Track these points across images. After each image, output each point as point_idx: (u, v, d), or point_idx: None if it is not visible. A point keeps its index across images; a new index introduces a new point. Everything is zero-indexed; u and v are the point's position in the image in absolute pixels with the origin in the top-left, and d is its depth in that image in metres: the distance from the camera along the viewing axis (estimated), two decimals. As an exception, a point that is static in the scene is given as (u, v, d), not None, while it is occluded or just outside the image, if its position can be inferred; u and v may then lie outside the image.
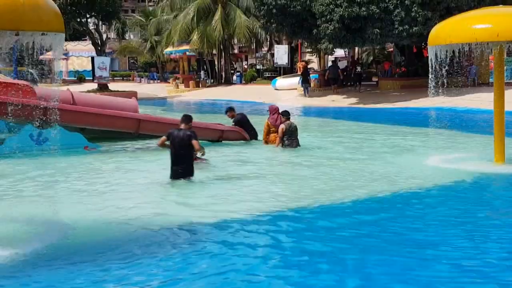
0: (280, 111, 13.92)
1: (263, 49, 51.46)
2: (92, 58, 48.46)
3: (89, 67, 56.96)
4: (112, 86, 41.70)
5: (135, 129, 14.82)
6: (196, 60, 51.72)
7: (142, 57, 58.51)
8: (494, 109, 10.88)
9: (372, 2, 25.76)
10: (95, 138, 14.09)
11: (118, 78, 58.05)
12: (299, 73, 34.69)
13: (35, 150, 12.37)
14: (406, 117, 21.56)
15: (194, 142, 9.46)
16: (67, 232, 6.79)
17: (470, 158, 11.32)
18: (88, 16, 44.90)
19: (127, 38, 60.85)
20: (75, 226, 7.04)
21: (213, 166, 11.07)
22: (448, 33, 10.03)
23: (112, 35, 60.26)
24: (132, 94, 31.48)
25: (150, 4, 70.33)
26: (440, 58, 10.30)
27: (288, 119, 13.39)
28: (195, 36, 40.36)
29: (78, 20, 43.97)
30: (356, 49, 43.24)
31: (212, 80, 46.50)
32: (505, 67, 11.77)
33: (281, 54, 41.42)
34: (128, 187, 9.52)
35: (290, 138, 13.26)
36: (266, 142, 14.00)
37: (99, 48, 45.58)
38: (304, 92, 32.69)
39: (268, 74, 44.47)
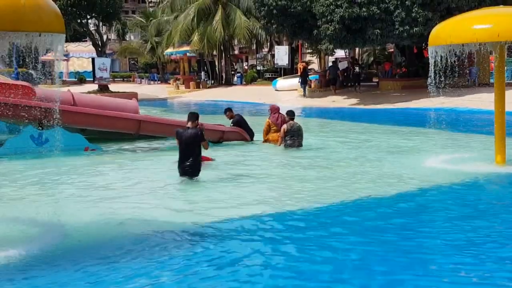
0: (281, 111, 14.03)
1: (263, 50, 51.46)
2: (93, 59, 48.44)
3: (90, 68, 56.96)
4: (113, 87, 41.72)
5: (136, 130, 14.83)
6: (197, 61, 51.73)
7: (143, 58, 58.52)
8: (494, 110, 10.88)
9: (372, 2, 25.76)
10: (96, 139, 14.10)
11: (119, 79, 58.12)
12: (299, 73, 34.72)
13: (35, 151, 12.38)
14: (407, 118, 21.56)
15: (203, 143, 9.83)
16: (67, 232, 6.79)
17: (471, 159, 11.31)
18: (88, 17, 44.85)
19: (127, 39, 60.85)
20: (76, 226, 7.04)
21: (214, 166, 11.07)
22: (449, 33, 10.02)
23: (113, 36, 60.26)
24: (132, 95, 31.53)
25: (150, 5, 70.34)
26: (440, 58, 10.30)
27: (292, 119, 13.45)
28: (195, 37, 40.37)
29: (79, 21, 43.91)
30: (357, 49, 43.27)
31: (212, 81, 46.51)
32: (505, 67, 11.74)
33: (281, 55, 41.43)
34: (128, 188, 9.52)
35: (292, 138, 13.31)
36: (266, 140, 14.15)
37: (99, 49, 45.54)
38: (304, 92, 32.74)
39: (269, 75, 44.47)
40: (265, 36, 41.29)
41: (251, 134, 15.08)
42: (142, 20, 55.24)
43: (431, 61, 10.53)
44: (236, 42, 47.15)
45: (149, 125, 15.00)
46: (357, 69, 35.79)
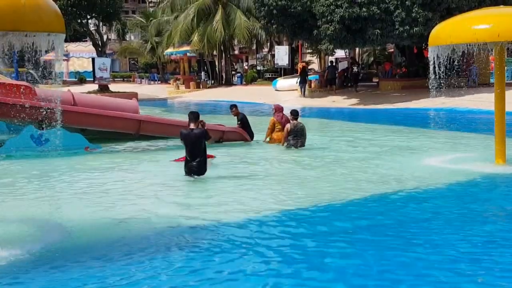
0: (284, 111, 14.13)
1: (263, 50, 51.46)
2: (93, 59, 48.44)
3: (90, 68, 56.95)
4: (113, 87, 41.71)
5: (136, 130, 14.83)
6: (197, 61, 51.72)
7: (143, 58, 58.53)
8: (494, 110, 10.88)
9: (372, 2, 25.76)
10: (96, 138, 14.10)
11: (119, 79, 58.10)
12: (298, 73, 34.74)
13: (36, 151, 12.38)
14: (407, 118, 21.56)
15: (209, 141, 10.18)
16: (67, 232, 6.79)
17: (471, 159, 11.31)
18: (88, 17, 44.89)
19: (127, 39, 60.85)
20: (76, 226, 7.03)
21: (215, 166, 11.07)
22: (449, 33, 10.02)
23: (113, 36, 60.25)
24: (132, 95, 31.52)
25: (150, 5, 70.34)
26: (441, 58, 10.30)
27: (296, 118, 13.49)
28: (195, 37, 40.36)
29: (79, 21, 43.94)
30: (357, 50, 43.28)
31: (212, 81, 46.50)
32: (505, 67, 11.75)
33: (281, 55, 41.42)
34: (129, 188, 9.51)
35: (295, 138, 13.36)
36: (271, 139, 14.15)
37: (99, 49, 45.56)
38: (302, 92, 32.74)
39: (269, 75, 44.47)
40: (265, 36, 41.28)
41: (251, 134, 15.12)
42: (142, 20, 55.22)
43: (431, 61, 10.53)
44: (236, 42, 47.12)
45: (149, 125, 14.99)
46: (355, 69, 35.81)
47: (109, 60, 43.55)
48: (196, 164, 9.90)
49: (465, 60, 26.11)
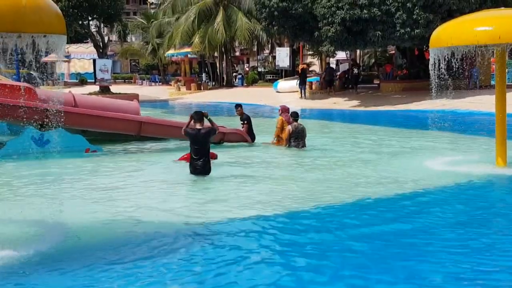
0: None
1: (264, 52, 51.48)
2: (94, 61, 48.54)
3: (91, 70, 57.08)
4: (114, 88, 41.77)
5: (137, 131, 14.83)
6: (198, 62, 51.79)
7: (144, 59, 58.59)
8: (495, 112, 10.87)
9: (373, 4, 25.77)
10: (97, 140, 14.10)
11: (120, 80, 58.18)
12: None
13: (36, 152, 12.37)
14: (408, 120, 21.56)
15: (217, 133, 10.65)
16: (68, 233, 6.79)
17: (472, 161, 11.30)
18: (89, 18, 44.91)
19: (128, 41, 60.95)
20: (77, 227, 7.03)
21: (217, 167, 11.07)
22: (450, 35, 10.01)
23: (114, 37, 60.36)
24: (133, 97, 31.46)
25: (151, 6, 70.42)
26: (441, 60, 10.29)
27: (296, 120, 13.53)
28: (196, 39, 40.38)
29: (80, 22, 43.96)
30: (358, 51, 43.27)
31: (213, 83, 46.53)
32: (506, 69, 11.74)
33: (282, 56, 41.45)
34: (129, 189, 9.52)
35: (296, 139, 13.45)
36: (278, 141, 14.11)
37: (100, 50, 45.57)
38: (302, 93, 32.76)
39: (270, 76, 44.49)
40: (266, 37, 41.31)
41: (253, 136, 15.09)
42: (143, 21, 55.29)
43: (432, 63, 10.52)
44: (237, 43, 47.16)
45: (150, 126, 14.99)
46: (355, 70, 35.83)
47: (110, 61, 43.61)
48: (201, 163, 10.08)
49: (466, 63, 26.08)
